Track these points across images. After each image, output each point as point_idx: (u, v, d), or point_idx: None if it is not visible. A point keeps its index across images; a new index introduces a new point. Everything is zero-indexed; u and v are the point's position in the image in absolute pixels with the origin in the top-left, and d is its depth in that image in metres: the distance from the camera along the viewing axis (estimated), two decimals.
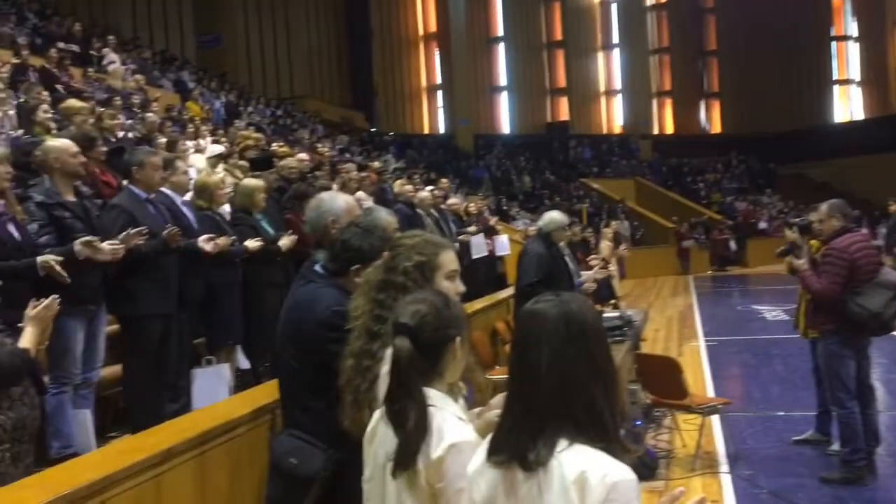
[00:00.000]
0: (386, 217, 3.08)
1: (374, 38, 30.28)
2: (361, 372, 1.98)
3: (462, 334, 1.90)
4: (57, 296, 2.94)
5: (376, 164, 14.01)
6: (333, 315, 2.43)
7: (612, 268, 10.98)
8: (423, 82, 32.15)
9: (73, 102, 6.43)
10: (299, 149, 12.25)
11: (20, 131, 6.75)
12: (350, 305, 2.24)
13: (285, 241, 5.88)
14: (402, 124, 31.22)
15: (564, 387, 1.54)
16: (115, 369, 4.80)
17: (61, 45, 13.51)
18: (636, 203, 27.54)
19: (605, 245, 12.73)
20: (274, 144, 10.93)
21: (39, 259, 3.71)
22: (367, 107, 29.68)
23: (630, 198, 27.54)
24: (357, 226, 2.70)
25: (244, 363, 5.74)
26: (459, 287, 2.27)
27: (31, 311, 2.89)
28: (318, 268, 2.70)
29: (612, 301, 9.57)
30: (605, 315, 6.95)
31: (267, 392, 3.40)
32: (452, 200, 11.26)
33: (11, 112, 7.33)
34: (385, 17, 30.77)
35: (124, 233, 4.27)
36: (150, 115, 10.08)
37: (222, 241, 5.17)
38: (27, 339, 2.85)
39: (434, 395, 1.85)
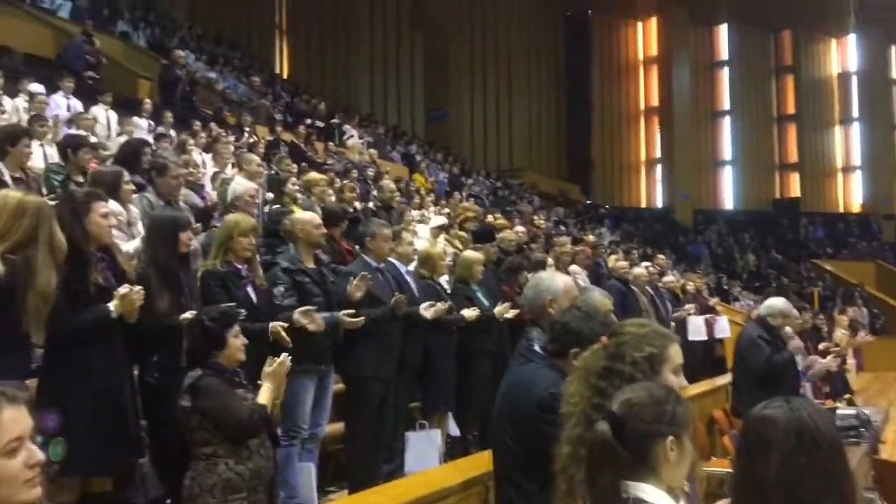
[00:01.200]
0: (601, 298, 3.09)
1: (594, 112, 30.54)
2: (577, 461, 1.98)
3: (680, 434, 1.83)
4: (288, 354, 3.22)
5: (591, 237, 13.97)
6: (551, 397, 2.45)
7: (849, 359, 10.07)
8: (642, 155, 31.78)
9: (313, 175, 7.05)
10: (520, 220, 12.51)
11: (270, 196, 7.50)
12: (566, 390, 2.25)
13: (505, 312, 6.00)
14: (619, 197, 30.94)
15: (794, 500, 1.46)
16: (338, 427, 5.10)
17: (308, 121, 14.92)
18: (876, 288, 25.09)
19: (840, 333, 11.70)
20: (490, 216, 11.26)
21: (270, 326, 4.09)
22: (584, 179, 29.80)
23: (870, 283, 25.16)
24: (578, 309, 2.72)
25: (454, 430, 5.87)
26: (683, 382, 2.21)
27: (267, 369, 3.19)
28: (536, 347, 2.75)
29: (847, 396, 8.74)
30: (839, 412, 6.35)
31: (477, 463, 3.46)
32: (669, 278, 10.94)
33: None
34: (606, 92, 30.97)
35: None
36: (387, 181, 10.61)
37: (440, 306, 5.40)
38: (264, 395, 3.14)
39: (650, 491, 1.80)
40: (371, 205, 8.91)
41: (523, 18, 28.63)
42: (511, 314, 6.01)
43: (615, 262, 9.65)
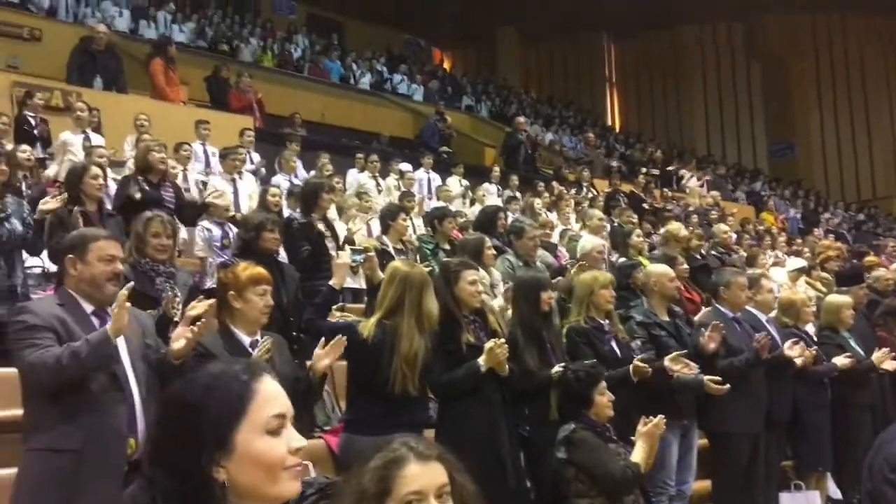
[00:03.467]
0: None
1: None
2: None
3: None
4: (663, 416, 3.23)
5: None
6: None
7: None
8: None
9: (673, 227, 7.00)
10: (887, 257, 11.17)
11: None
12: None
13: (885, 360, 5.45)
14: None
15: None
16: (705, 484, 4.95)
17: (644, 170, 14.90)
18: None
19: None
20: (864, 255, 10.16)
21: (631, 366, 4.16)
22: None
23: None
24: None
25: (835, 492, 5.38)
26: None
27: (641, 428, 3.23)
28: None
29: None
30: None
31: None
32: None
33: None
34: None
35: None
36: (719, 225, 10.13)
37: (807, 352, 5.04)
38: (638, 454, 3.19)
39: None
40: (714, 251, 8.61)
41: (875, 30, 25.84)
42: (891, 366, 5.42)
43: None
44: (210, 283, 5.63)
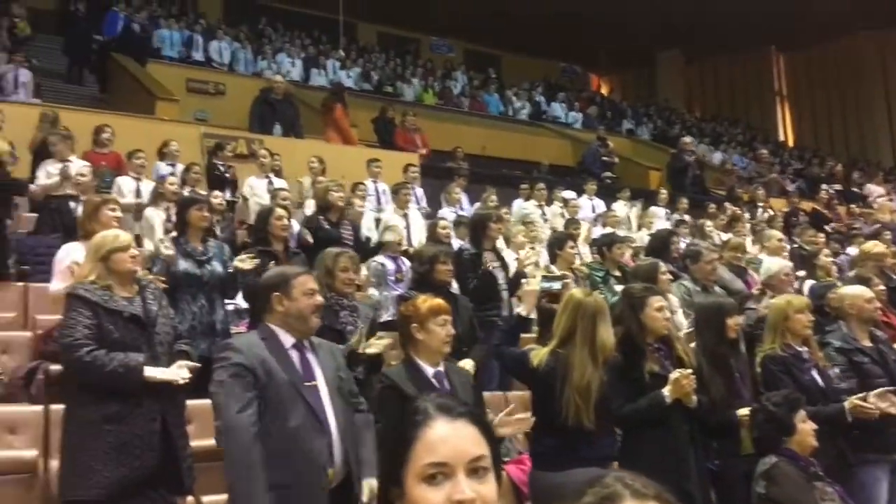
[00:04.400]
0: None
1: None
2: None
3: None
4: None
5: None
6: None
7: None
8: None
9: (867, 245, 6.52)
10: None
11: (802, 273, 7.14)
12: None
13: None
14: None
15: None
16: None
17: (825, 186, 13.99)
18: None
19: None
20: None
21: (847, 404, 3.83)
22: None
23: None
24: None
25: None
26: None
27: None
28: None
29: None
30: None
31: None
32: None
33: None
34: None
35: None
36: None
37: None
38: None
39: None
40: None
41: None
42: None
43: None
44: (386, 317, 5.79)
